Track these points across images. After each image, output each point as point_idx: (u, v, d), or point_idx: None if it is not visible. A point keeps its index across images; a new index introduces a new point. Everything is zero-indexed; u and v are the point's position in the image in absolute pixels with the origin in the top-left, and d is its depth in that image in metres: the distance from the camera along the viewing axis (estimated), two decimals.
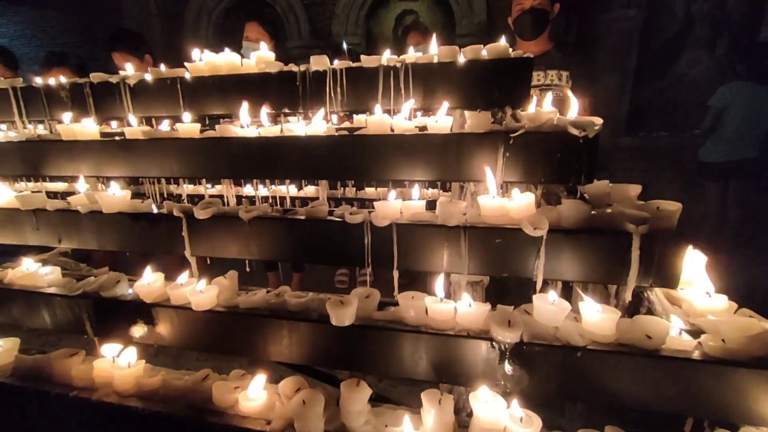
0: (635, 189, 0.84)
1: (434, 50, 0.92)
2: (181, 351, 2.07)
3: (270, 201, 1.76)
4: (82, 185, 1.09)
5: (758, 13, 3.89)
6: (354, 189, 1.87)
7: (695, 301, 0.76)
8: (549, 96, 0.91)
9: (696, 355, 0.66)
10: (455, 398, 0.80)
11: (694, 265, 0.78)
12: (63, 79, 1.11)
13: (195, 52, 1.04)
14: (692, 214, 3.40)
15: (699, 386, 0.64)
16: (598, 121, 0.75)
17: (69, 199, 1.06)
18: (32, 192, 1.10)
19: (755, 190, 3.35)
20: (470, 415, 0.74)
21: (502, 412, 0.71)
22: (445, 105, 0.86)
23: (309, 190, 1.84)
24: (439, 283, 0.79)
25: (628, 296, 0.72)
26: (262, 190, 1.80)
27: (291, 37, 4.78)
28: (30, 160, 1.11)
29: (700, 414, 0.68)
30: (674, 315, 0.75)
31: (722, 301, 0.74)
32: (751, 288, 2.24)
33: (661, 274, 0.70)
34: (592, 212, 0.74)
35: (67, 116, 1.07)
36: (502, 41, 0.88)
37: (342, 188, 1.88)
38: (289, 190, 1.80)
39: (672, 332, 0.69)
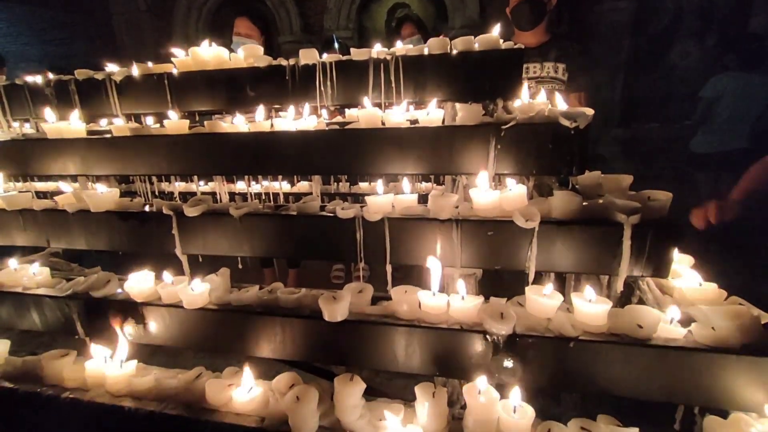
0: (627, 179, 0.84)
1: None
2: (177, 349, 2.06)
3: (263, 197, 1.75)
4: (66, 186, 1.07)
5: (747, 4, 3.91)
6: (348, 184, 1.86)
7: (686, 290, 0.77)
8: (543, 93, 0.91)
9: (686, 343, 0.66)
10: (449, 391, 0.80)
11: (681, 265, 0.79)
12: (50, 75, 1.09)
13: (179, 52, 1.03)
14: (683, 204, 3.42)
15: (689, 374, 0.65)
16: (589, 111, 0.74)
17: (56, 198, 1.04)
18: (20, 192, 1.08)
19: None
20: (464, 407, 0.74)
21: (496, 403, 0.71)
22: (434, 100, 0.86)
23: (302, 186, 1.83)
24: (435, 279, 0.78)
25: (619, 286, 0.72)
26: (255, 187, 1.78)
27: (282, 32, 4.72)
28: (15, 159, 1.09)
29: (691, 401, 0.69)
30: (668, 304, 0.76)
31: (712, 290, 0.75)
32: (740, 276, 2.27)
33: (652, 264, 0.70)
34: (584, 203, 0.74)
35: (52, 114, 1.05)
36: (497, 30, 0.88)
37: (335, 183, 1.87)
38: (281, 186, 1.79)
39: (664, 321, 0.69)
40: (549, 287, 0.74)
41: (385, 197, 0.83)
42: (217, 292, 0.89)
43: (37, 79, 1.10)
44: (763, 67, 3.09)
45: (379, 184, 0.87)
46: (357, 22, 4.64)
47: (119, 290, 0.96)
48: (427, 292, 0.78)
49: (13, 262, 1.06)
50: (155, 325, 0.91)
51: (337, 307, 0.77)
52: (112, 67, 1.08)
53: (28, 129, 1.31)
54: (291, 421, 0.75)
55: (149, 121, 1.28)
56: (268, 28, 2.46)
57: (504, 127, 0.77)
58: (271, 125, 0.96)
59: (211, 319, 0.87)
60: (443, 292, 0.79)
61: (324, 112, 1.57)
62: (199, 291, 0.86)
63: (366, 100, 0.89)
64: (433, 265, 0.77)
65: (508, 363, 0.71)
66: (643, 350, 0.66)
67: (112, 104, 1.04)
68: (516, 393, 0.73)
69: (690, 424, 0.71)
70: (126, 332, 0.92)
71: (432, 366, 0.77)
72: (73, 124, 1.02)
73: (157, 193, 1.71)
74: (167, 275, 0.92)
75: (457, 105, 0.87)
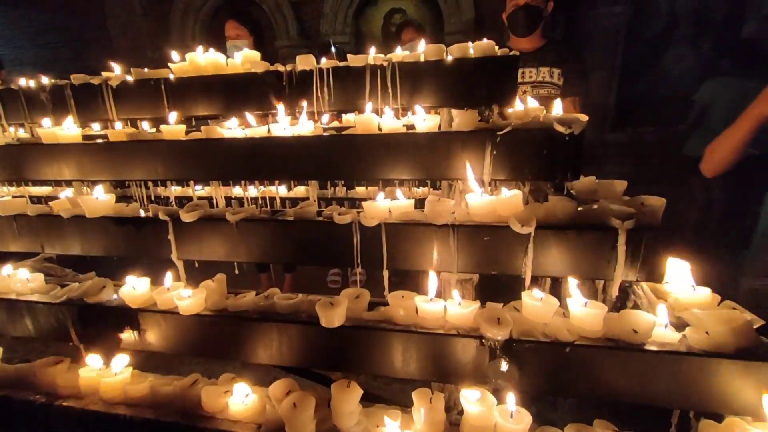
0: (621, 185, 0.85)
1: (422, 49, 0.91)
2: (173, 355, 2.04)
3: (260, 202, 1.75)
4: (65, 192, 1.06)
5: (741, 10, 3.96)
6: (344, 189, 1.86)
7: (680, 294, 0.77)
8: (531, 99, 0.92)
9: (681, 347, 0.67)
10: (446, 396, 0.80)
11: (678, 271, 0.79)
12: (44, 80, 1.09)
13: (174, 55, 1.03)
14: (678, 208, 3.45)
15: (684, 378, 0.65)
16: (584, 118, 0.75)
17: (51, 203, 1.03)
18: (14, 197, 1.07)
19: (739, 185, 3.41)
20: (461, 413, 0.74)
21: (493, 408, 0.71)
22: (419, 106, 0.86)
23: (299, 191, 1.83)
24: (431, 283, 0.79)
25: (614, 291, 0.73)
26: (252, 191, 1.78)
27: (279, 36, 4.73)
28: (10, 164, 1.08)
29: (686, 406, 0.69)
30: (660, 308, 0.76)
31: (706, 294, 0.76)
32: (735, 281, 2.28)
33: (646, 269, 0.71)
34: (579, 208, 0.75)
35: (47, 120, 1.04)
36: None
37: (332, 188, 1.87)
38: (278, 190, 1.78)
39: (658, 325, 0.70)
40: (536, 291, 0.74)
41: (382, 203, 0.83)
42: (213, 298, 0.89)
43: (32, 83, 1.10)
44: (756, 71, 3.13)
45: (380, 195, 0.87)
46: (353, 27, 4.66)
47: (114, 296, 0.95)
48: (423, 298, 0.78)
49: (6, 268, 1.05)
50: (151, 332, 0.90)
51: (333, 313, 0.77)
52: (116, 69, 1.07)
53: (23, 134, 1.30)
54: (288, 427, 0.75)
55: (145, 126, 1.28)
56: (257, 29, 2.49)
57: (500, 132, 0.77)
58: (268, 130, 0.96)
59: (207, 325, 0.87)
60: (440, 298, 0.79)
61: (325, 117, 1.57)
62: (195, 297, 0.86)
63: (368, 106, 0.89)
64: (431, 274, 0.78)
65: (504, 367, 0.71)
66: (638, 355, 0.67)
67: (109, 109, 1.04)
68: (512, 398, 0.73)
69: (686, 428, 0.72)
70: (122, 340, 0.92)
71: (429, 371, 0.77)
72: (69, 129, 1.02)
73: (153, 198, 1.71)
74: (167, 280, 0.92)
75: (453, 111, 0.87)
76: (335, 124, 1.66)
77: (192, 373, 0.94)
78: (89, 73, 1.07)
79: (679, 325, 0.72)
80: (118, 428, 0.85)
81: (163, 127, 0.98)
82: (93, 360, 0.92)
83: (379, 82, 0.89)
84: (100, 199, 0.95)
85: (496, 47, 0.86)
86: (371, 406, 0.84)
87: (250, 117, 0.96)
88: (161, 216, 0.90)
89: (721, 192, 3.23)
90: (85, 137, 1.07)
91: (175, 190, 1.80)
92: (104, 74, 1.07)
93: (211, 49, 1.01)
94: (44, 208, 1.02)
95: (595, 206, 0.75)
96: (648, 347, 0.67)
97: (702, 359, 0.64)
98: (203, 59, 0.99)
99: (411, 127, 0.89)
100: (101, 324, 0.94)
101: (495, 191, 0.84)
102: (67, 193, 1.07)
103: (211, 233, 0.91)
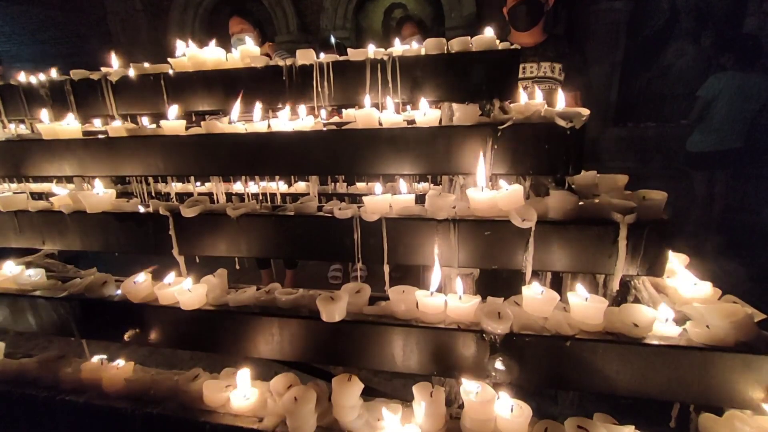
0: (622, 179, 0.85)
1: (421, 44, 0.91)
2: (174, 351, 2.05)
3: (260, 198, 1.75)
4: (59, 188, 1.06)
5: (742, 5, 3.94)
6: (345, 184, 1.86)
7: (681, 288, 0.77)
8: (538, 91, 0.92)
9: (681, 341, 0.67)
10: (447, 390, 0.81)
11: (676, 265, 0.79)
12: (42, 77, 1.08)
13: (179, 46, 1.02)
14: (679, 203, 3.45)
15: (685, 372, 0.66)
16: (585, 112, 0.75)
17: (52, 199, 1.03)
18: (14, 193, 1.07)
19: (741, 179, 3.41)
20: (462, 406, 0.74)
21: (493, 402, 0.71)
22: (424, 100, 0.86)
23: (299, 187, 1.83)
24: (435, 276, 0.79)
25: (615, 285, 0.73)
26: (252, 187, 1.78)
27: (279, 31, 4.72)
28: (10, 160, 1.08)
29: (687, 399, 0.69)
30: (662, 303, 0.76)
31: (707, 289, 0.76)
32: (735, 275, 2.29)
33: (647, 263, 0.71)
34: (580, 203, 0.75)
35: (46, 115, 1.04)
36: (488, 32, 0.88)
37: (333, 184, 1.87)
38: (279, 186, 1.78)
39: (659, 320, 0.70)
40: (536, 285, 0.74)
41: (383, 197, 0.83)
42: (215, 293, 0.89)
43: (31, 79, 1.09)
44: (759, 66, 3.12)
45: (377, 186, 0.87)
46: (354, 22, 4.64)
47: (117, 291, 0.95)
48: (424, 292, 0.78)
49: (8, 264, 1.06)
50: (152, 327, 0.90)
51: (334, 308, 0.77)
52: (115, 64, 1.07)
53: (23, 130, 1.30)
54: (289, 421, 0.75)
55: (145, 121, 1.28)
56: (261, 24, 2.53)
57: (501, 127, 0.77)
58: (268, 125, 0.96)
59: (209, 320, 0.87)
60: (441, 292, 0.79)
61: (323, 112, 1.57)
62: (196, 292, 0.86)
63: (366, 99, 0.88)
64: (436, 267, 0.78)
65: (500, 365, 0.71)
66: (638, 349, 0.67)
67: (108, 105, 1.03)
68: (513, 392, 0.73)
69: (685, 421, 0.72)
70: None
71: (430, 366, 0.77)
72: (69, 125, 1.02)
73: (153, 194, 1.71)
74: (169, 277, 0.92)
75: (454, 105, 0.87)
76: (335, 119, 1.66)
77: (193, 368, 0.94)
78: (89, 69, 1.06)
79: (680, 319, 0.72)
80: (120, 422, 0.86)
81: (163, 122, 0.98)
82: (97, 359, 0.93)
83: (379, 77, 0.89)
84: (100, 194, 0.95)
85: (497, 41, 0.86)
86: (372, 400, 0.84)
87: (257, 111, 0.95)
88: (162, 211, 0.90)
89: (723, 187, 3.23)
90: (85, 133, 1.07)
91: (175, 187, 1.81)
92: (104, 69, 1.07)
93: (212, 44, 1.01)
94: (45, 204, 1.02)
95: (596, 200, 0.75)
96: (648, 341, 0.67)
97: (702, 353, 0.64)
98: (204, 54, 0.98)
99: (411, 121, 0.88)
100: (103, 319, 0.94)
101: (496, 186, 0.84)
102: (59, 189, 1.07)
103: (212, 229, 0.91)
